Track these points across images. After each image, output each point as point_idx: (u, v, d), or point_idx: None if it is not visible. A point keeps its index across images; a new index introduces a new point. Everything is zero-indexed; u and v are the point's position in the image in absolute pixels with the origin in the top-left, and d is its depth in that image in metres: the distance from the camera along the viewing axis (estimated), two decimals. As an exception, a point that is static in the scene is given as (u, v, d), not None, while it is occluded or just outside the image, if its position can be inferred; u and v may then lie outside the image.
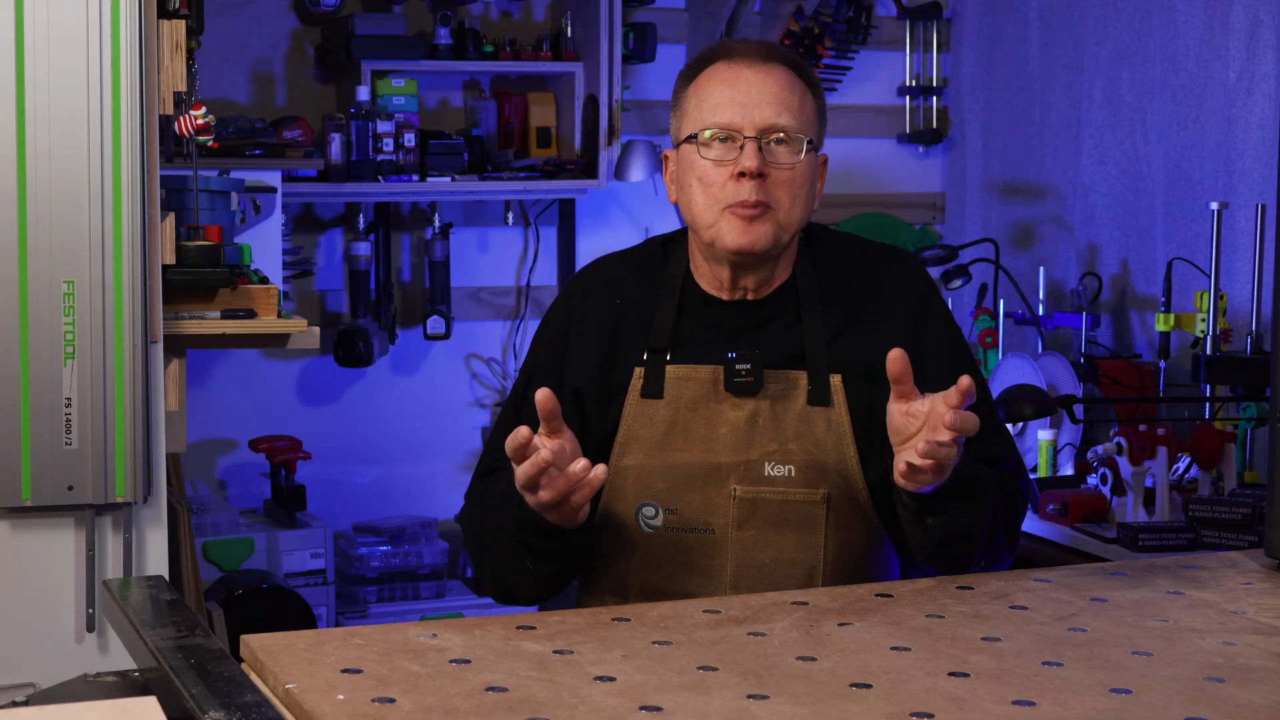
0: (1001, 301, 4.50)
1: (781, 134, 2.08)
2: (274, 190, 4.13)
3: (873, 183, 5.29)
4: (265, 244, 3.99)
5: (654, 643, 1.67)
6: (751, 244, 2.07)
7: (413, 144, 4.58)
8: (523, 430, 1.88)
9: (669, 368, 2.14)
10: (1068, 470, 3.92)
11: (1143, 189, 4.44)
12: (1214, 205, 3.75)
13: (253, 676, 1.59)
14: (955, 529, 2.02)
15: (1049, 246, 4.81)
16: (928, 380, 2.13)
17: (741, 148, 2.07)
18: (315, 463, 4.65)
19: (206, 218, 3.20)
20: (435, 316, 4.77)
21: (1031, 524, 3.58)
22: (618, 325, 2.18)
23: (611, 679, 1.54)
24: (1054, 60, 4.78)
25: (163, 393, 2.90)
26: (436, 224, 4.78)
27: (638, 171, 4.81)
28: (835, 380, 2.11)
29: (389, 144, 4.54)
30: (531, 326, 4.94)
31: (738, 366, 2.10)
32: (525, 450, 1.89)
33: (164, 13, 2.87)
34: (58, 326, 2.75)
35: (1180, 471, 3.66)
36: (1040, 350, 4.32)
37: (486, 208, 4.96)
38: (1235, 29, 4.10)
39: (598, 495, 2.13)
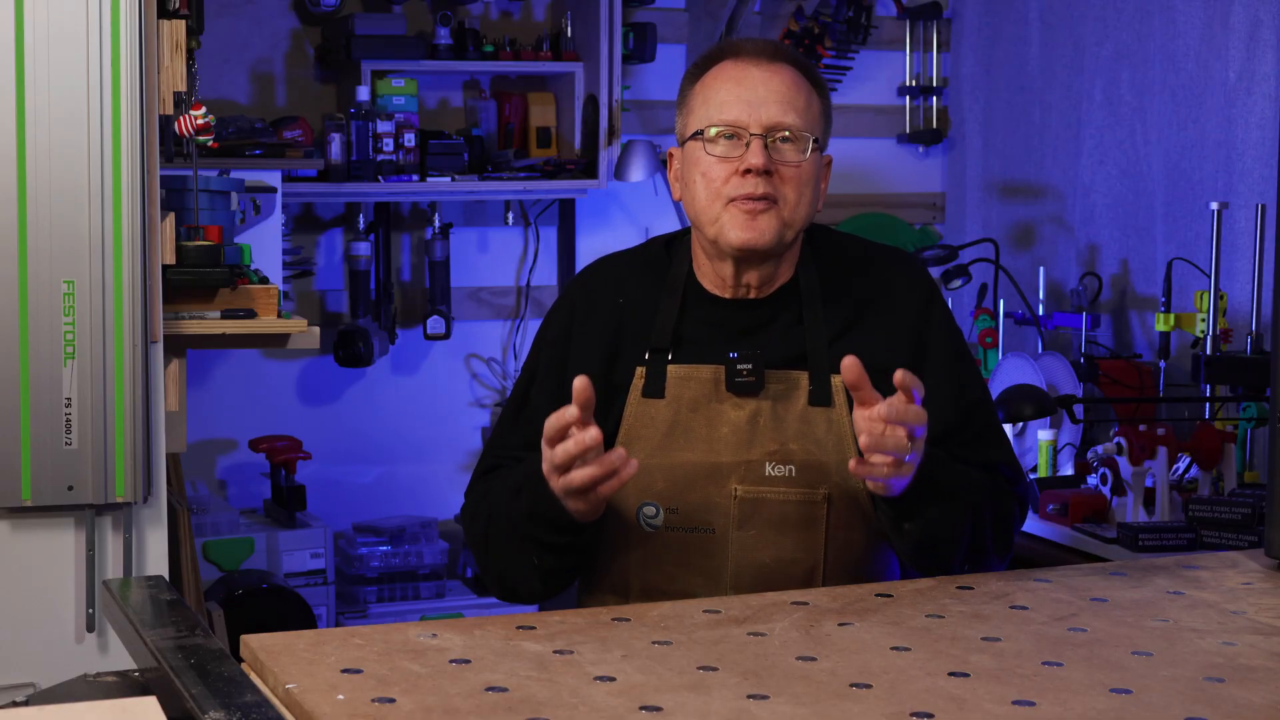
0: (1001, 301, 4.50)
1: (787, 132, 2.08)
2: (274, 190, 4.13)
3: (873, 183, 5.29)
4: (265, 244, 3.99)
5: (654, 643, 1.67)
6: (756, 238, 2.07)
7: (413, 144, 4.58)
8: (570, 409, 1.88)
9: (670, 367, 2.14)
10: (1068, 470, 3.92)
11: (1143, 189, 4.44)
12: (1214, 205, 3.75)
13: (253, 676, 1.59)
14: (932, 534, 2.04)
15: (1049, 246, 4.81)
16: (928, 381, 2.13)
17: (748, 145, 2.07)
18: (315, 463, 4.65)
19: (206, 218, 3.20)
20: (435, 316, 4.77)
21: (1031, 524, 3.58)
22: (620, 325, 2.18)
23: (611, 679, 1.54)
24: (1054, 60, 4.78)
25: (163, 393, 2.90)
26: (436, 224, 4.78)
27: (638, 171, 4.81)
28: (837, 381, 2.11)
29: (389, 144, 4.54)
30: (532, 326, 4.94)
31: (739, 366, 2.10)
32: (567, 430, 1.89)
33: (164, 13, 2.87)
34: (58, 326, 2.75)
35: (1180, 471, 3.66)
36: (1040, 350, 4.32)
37: (486, 208, 4.96)
38: (1235, 29, 4.10)
39: None
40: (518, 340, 5.00)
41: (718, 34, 4.88)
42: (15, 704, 1.54)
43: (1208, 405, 3.80)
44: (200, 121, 3.00)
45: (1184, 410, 3.97)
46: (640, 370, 2.14)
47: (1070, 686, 1.53)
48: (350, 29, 4.50)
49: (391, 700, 1.46)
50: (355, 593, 4.59)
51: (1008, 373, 4.06)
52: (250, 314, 3.07)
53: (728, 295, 2.16)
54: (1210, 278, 3.73)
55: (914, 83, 5.29)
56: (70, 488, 2.79)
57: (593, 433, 1.90)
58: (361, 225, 4.75)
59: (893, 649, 1.65)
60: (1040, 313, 4.49)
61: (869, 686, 1.52)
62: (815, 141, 2.11)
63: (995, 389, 3.95)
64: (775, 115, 2.08)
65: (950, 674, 1.56)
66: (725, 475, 2.10)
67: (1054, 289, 4.67)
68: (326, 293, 4.84)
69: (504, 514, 2.11)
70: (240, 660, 1.63)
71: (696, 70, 2.17)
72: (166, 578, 2.19)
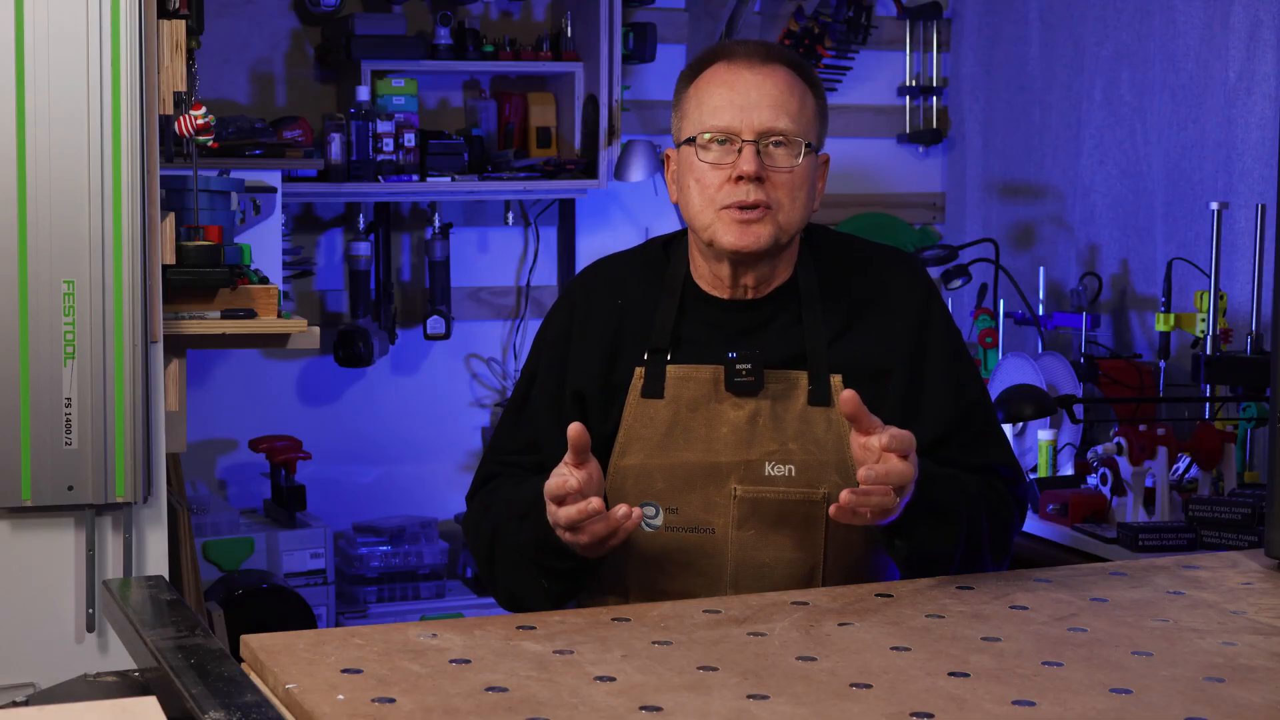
0: (1001, 301, 4.50)
1: (780, 137, 2.08)
2: (274, 190, 4.13)
3: (873, 183, 5.29)
4: (265, 244, 3.99)
5: (654, 643, 1.67)
6: (749, 245, 2.07)
7: (413, 144, 4.58)
8: (571, 482, 1.92)
9: (669, 368, 2.14)
10: (1068, 470, 3.92)
11: (1143, 189, 4.44)
12: (1214, 205, 3.75)
13: (253, 676, 1.59)
14: (923, 551, 2.04)
15: (1049, 246, 4.81)
16: (927, 381, 2.14)
17: (740, 151, 2.07)
18: (315, 463, 4.65)
19: (206, 218, 3.20)
20: (435, 316, 4.77)
21: (1031, 524, 3.58)
22: (619, 326, 2.18)
23: (611, 679, 1.54)
24: (1054, 60, 4.78)
25: (163, 393, 2.90)
26: (436, 224, 4.78)
27: (638, 171, 4.81)
28: (836, 380, 2.11)
29: (389, 144, 4.54)
30: (532, 326, 4.94)
31: (738, 366, 2.10)
32: (567, 498, 1.93)
33: (164, 13, 2.87)
34: (58, 326, 2.75)
35: (1180, 471, 3.66)
36: (1040, 350, 4.32)
37: (486, 208, 4.96)
38: (1235, 29, 4.10)
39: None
40: (518, 340, 5.00)
41: (718, 34, 4.88)
42: (15, 704, 1.54)
43: (1208, 405, 3.80)
44: (200, 121, 3.00)
45: (1184, 410, 3.97)
46: (639, 371, 2.14)
47: (1070, 686, 1.53)
48: (350, 29, 4.50)
49: (391, 700, 1.46)
50: (355, 593, 4.59)
51: (1008, 373, 4.06)
52: (250, 314, 3.07)
53: (725, 296, 2.16)
54: (1210, 278, 3.73)
55: (914, 83, 5.29)
56: (70, 488, 2.79)
57: (594, 503, 1.92)
58: (361, 225, 4.75)
59: (893, 649, 1.65)
60: (1040, 313, 4.49)
61: (869, 686, 1.53)
62: (809, 145, 2.10)
63: (995, 389, 3.95)
64: (767, 120, 2.07)
65: (950, 674, 1.56)
66: (725, 475, 2.10)
67: (1054, 289, 4.67)
68: (326, 293, 4.84)
69: (510, 540, 2.11)
70: (240, 660, 1.63)
71: (690, 72, 2.17)
72: (166, 578, 2.19)
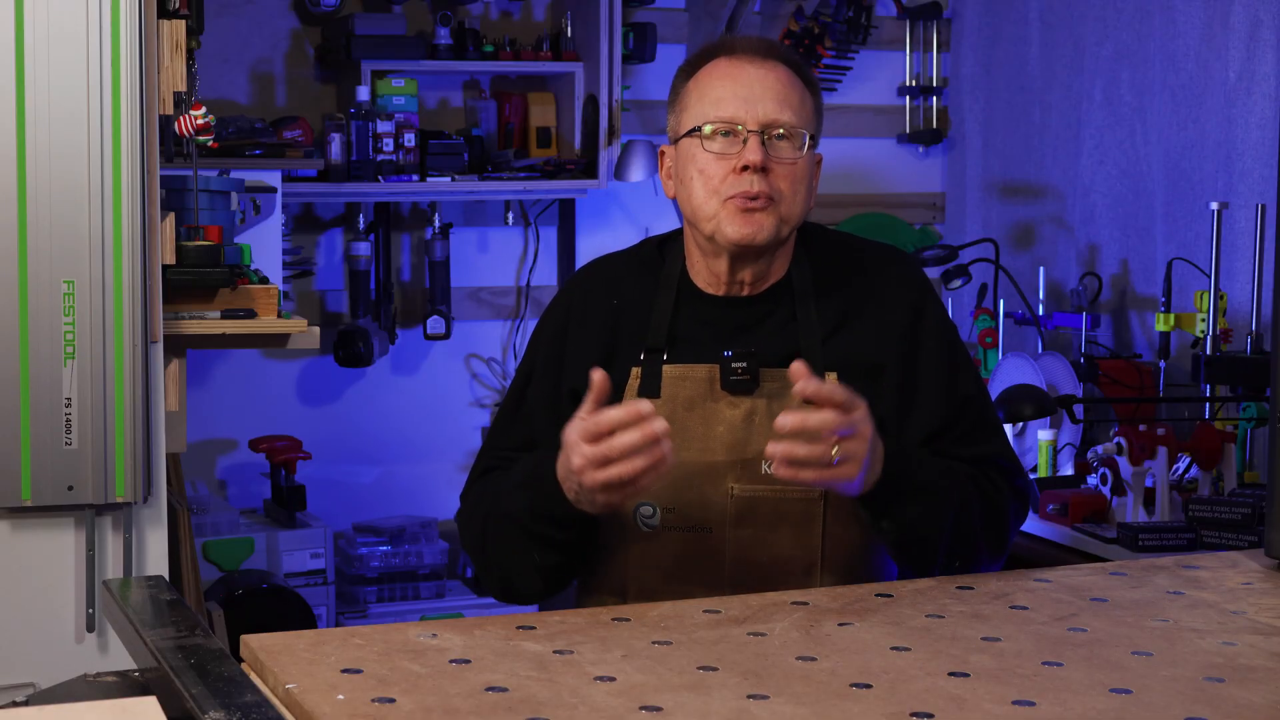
0: (1001, 301, 4.50)
1: (783, 129, 2.08)
2: (274, 190, 4.13)
3: (873, 183, 5.29)
4: (265, 244, 3.99)
5: (654, 643, 1.67)
6: (753, 235, 2.07)
7: (413, 144, 4.58)
8: (644, 404, 1.88)
9: (666, 367, 2.14)
10: (1068, 470, 3.92)
11: (1143, 189, 4.44)
12: (1214, 205, 3.75)
13: (253, 676, 1.59)
14: (910, 532, 2.04)
15: (1049, 246, 4.81)
16: (921, 376, 2.14)
17: (745, 142, 2.07)
18: (315, 463, 4.65)
19: (206, 218, 3.20)
20: (435, 316, 4.77)
21: (1031, 524, 3.58)
22: (615, 325, 2.18)
23: (611, 679, 1.54)
24: (1054, 60, 4.78)
25: (163, 393, 2.90)
26: (436, 224, 4.78)
27: (638, 171, 4.81)
28: (831, 378, 2.11)
29: (389, 144, 4.54)
30: (532, 326, 4.92)
31: (734, 365, 2.10)
32: (611, 428, 1.88)
33: (164, 13, 2.87)
34: (58, 326, 2.75)
35: (1180, 471, 3.66)
36: (1040, 350, 4.32)
37: (486, 208, 4.96)
38: (1235, 29, 4.10)
39: None
40: (518, 340, 5.00)
41: (718, 34, 4.88)
42: (15, 704, 1.54)
43: (1208, 405, 3.80)
44: (200, 121, 3.00)
45: (1184, 410, 3.97)
46: (636, 370, 2.14)
47: (1070, 686, 1.53)
48: (350, 29, 4.50)
49: (391, 700, 1.46)
50: (355, 593, 4.59)
51: (1008, 373, 4.06)
52: (250, 314, 3.07)
53: (721, 293, 2.16)
54: (1210, 278, 3.73)
55: (914, 83, 5.29)
56: (70, 488, 2.79)
57: (661, 423, 1.89)
58: (361, 225, 4.75)
59: (893, 649, 1.65)
60: (1040, 313, 4.49)
61: (869, 686, 1.53)
62: (810, 138, 2.11)
63: (995, 389, 3.95)
64: (771, 112, 2.08)
65: (950, 674, 1.56)
66: (722, 474, 2.10)
67: (1054, 289, 4.67)
68: (326, 293, 4.84)
69: (503, 512, 2.11)
70: (240, 660, 1.63)
71: (690, 67, 2.17)
72: (166, 578, 2.19)
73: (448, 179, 4.60)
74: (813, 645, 1.67)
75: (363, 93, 4.50)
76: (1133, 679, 1.56)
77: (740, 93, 2.09)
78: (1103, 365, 4.10)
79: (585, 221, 5.03)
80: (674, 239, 2.23)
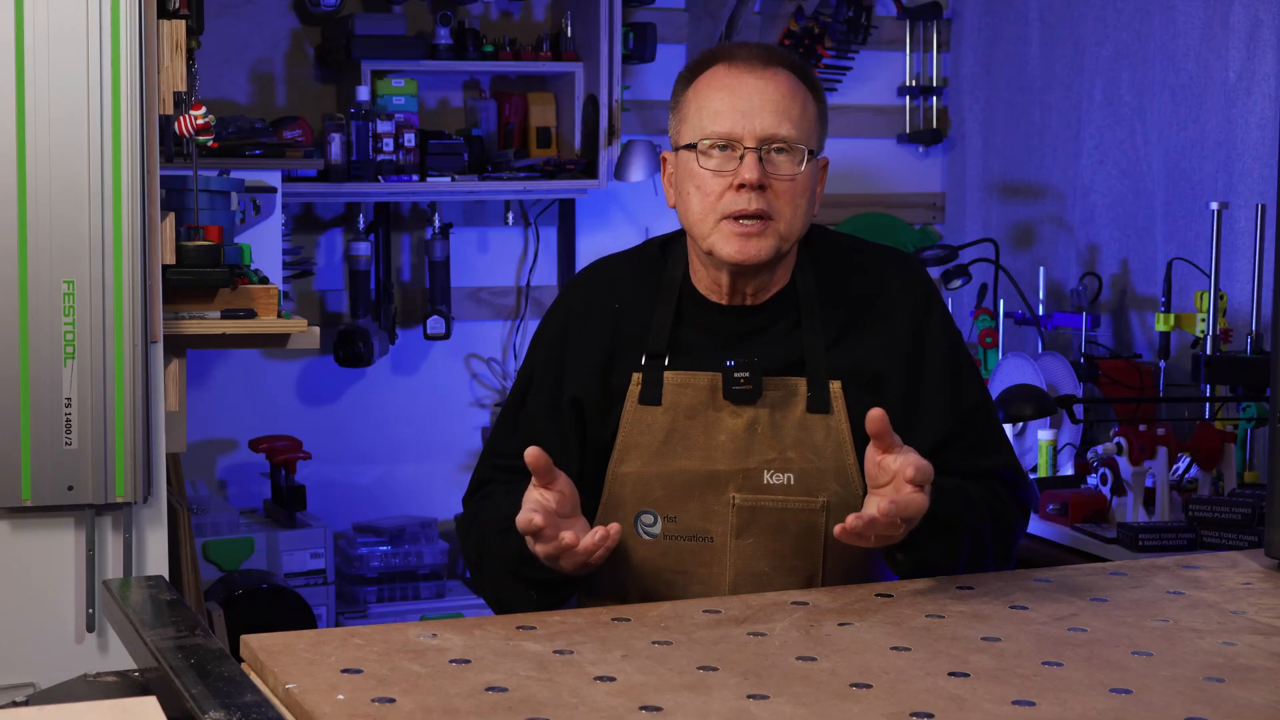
0: (1001, 301, 4.50)
1: (782, 144, 2.05)
2: (274, 190, 4.13)
3: (873, 183, 5.29)
4: (265, 244, 3.99)
5: (654, 643, 1.67)
6: (752, 255, 2.05)
7: (413, 144, 4.58)
8: (536, 520, 1.88)
9: (667, 374, 2.12)
10: (1068, 470, 3.92)
11: (1143, 189, 4.44)
12: (1214, 205, 3.75)
13: (253, 676, 1.59)
14: (925, 565, 2.02)
15: (1049, 246, 4.81)
16: (926, 386, 2.12)
17: (741, 158, 2.04)
18: (315, 463, 4.65)
19: (206, 218, 3.20)
20: (435, 316, 4.77)
21: (1031, 524, 3.56)
22: (616, 330, 2.16)
23: (611, 679, 1.54)
24: (1054, 60, 4.78)
25: (163, 393, 2.90)
26: (436, 224, 4.78)
27: (638, 171, 4.81)
28: (835, 387, 2.10)
29: (389, 144, 4.54)
30: (532, 326, 4.94)
31: (736, 374, 2.08)
32: (541, 534, 1.90)
33: (164, 13, 2.87)
34: (58, 326, 2.75)
35: (1180, 471, 3.66)
36: (1040, 350, 4.32)
37: (486, 208, 4.96)
38: (1235, 29, 4.10)
39: (595, 501, 2.13)
40: (518, 340, 5.00)
41: (718, 34, 4.88)
42: (15, 704, 1.54)
43: (1208, 405, 3.80)
44: (200, 121, 3.00)
45: (1184, 410, 3.97)
46: (636, 377, 2.13)
47: (1070, 686, 1.53)
48: (350, 29, 4.50)
49: (391, 700, 1.46)
50: (355, 593, 4.59)
51: (1008, 373, 4.06)
52: (250, 314, 3.07)
53: (724, 301, 2.15)
54: (1210, 278, 3.72)
55: (914, 83, 5.29)
56: (70, 488, 2.79)
57: (567, 538, 1.89)
58: (361, 225, 4.75)
59: (893, 649, 1.65)
60: (1040, 313, 4.49)
61: (869, 686, 1.52)
62: (810, 152, 2.08)
63: (995, 389, 3.95)
64: (770, 126, 2.05)
65: (950, 674, 1.56)
66: (723, 483, 2.09)
67: (1054, 289, 4.67)
68: (326, 293, 4.84)
69: (495, 552, 2.09)
70: (240, 660, 1.63)
71: (689, 75, 2.13)
72: (166, 578, 2.19)
73: (448, 179, 4.60)
74: (813, 645, 1.67)
75: (363, 93, 4.50)
76: (1133, 679, 1.56)
77: (738, 106, 2.05)
78: (1103, 365, 4.10)
79: (585, 221, 5.03)
80: (677, 240, 2.21)
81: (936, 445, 2.09)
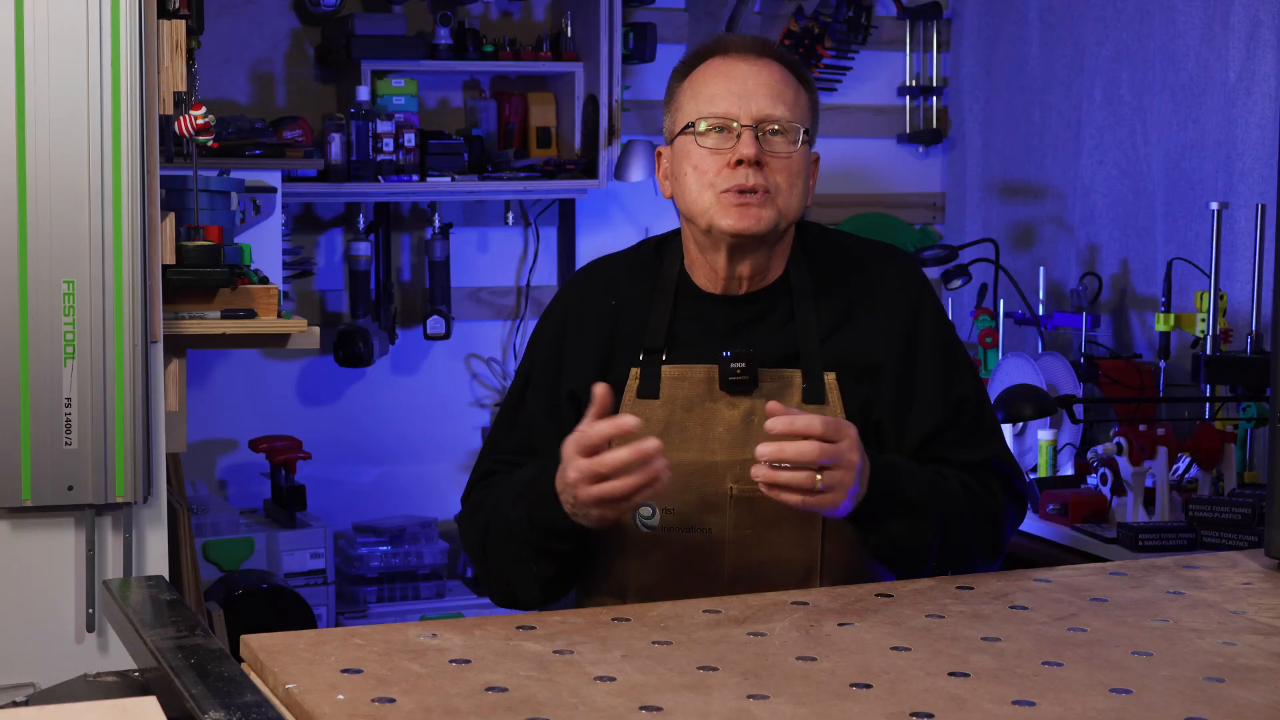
0: (1001, 301, 4.50)
1: (777, 124, 2.08)
2: (274, 190, 4.13)
3: (873, 183, 5.29)
4: (265, 244, 3.99)
5: (654, 643, 1.67)
6: (751, 225, 2.07)
7: (413, 144, 4.58)
8: (627, 418, 1.90)
9: (664, 368, 2.14)
10: (1068, 470, 3.92)
11: (1143, 189, 4.44)
12: (1214, 205, 3.75)
13: (253, 676, 1.59)
14: (896, 547, 2.05)
15: (1049, 246, 4.81)
16: (919, 377, 2.14)
17: (739, 137, 2.07)
18: (315, 463, 4.65)
19: (206, 218, 3.20)
20: (435, 316, 4.77)
21: (1031, 524, 3.58)
22: (613, 327, 2.18)
23: (611, 679, 1.54)
24: (1054, 60, 4.78)
25: (163, 393, 2.90)
26: (436, 224, 4.78)
27: (638, 171, 4.81)
28: (830, 378, 2.11)
29: (389, 144, 4.54)
30: (532, 326, 4.92)
31: (732, 365, 2.10)
32: (606, 441, 1.91)
33: (164, 13, 2.87)
34: (58, 326, 2.75)
35: (1180, 471, 3.66)
36: (1040, 350, 4.32)
37: (486, 208, 4.96)
38: (1235, 29, 4.10)
39: None
40: (518, 340, 5.00)
41: (717, 34, 4.88)
42: (15, 704, 1.54)
43: (1208, 405, 3.80)
44: (200, 121, 3.00)
45: (1184, 410, 3.97)
46: (634, 371, 2.14)
47: (1070, 686, 1.53)
48: (350, 29, 4.50)
49: (391, 700, 1.46)
50: (355, 593, 4.59)
51: (1008, 373, 4.06)
52: (250, 314, 3.07)
53: (719, 290, 2.16)
54: (1210, 278, 3.73)
55: (914, 83, 5.29)
56: (70, 488, 2.79)
57: (654, 441, 1.90)
58: (361, 225, 4.75)
59: (893, 649, 1.65)
60: (1040, 313, 4.49)
61: (869, 686, 1.52)
62: (805, 133, 2.11)
63: (995, 389, 3.95)
64: (765, 107, 2.08)
65: (950, 674, 1.56)
66: (721, 475, 2.10)
67: (1054, 289, 4.67)
68: (326, 293, 4.84)
69: (503, 522, 2.11)
70: (240, 660, 1.63)
71: (684, 68, 2.17)
72: (166, 578, 2.19)
73: (448, 179, 4.59)
74: (813, 645, 1.67)
75: (363, 93, 4.50)
76: (1133, 679, 1.56)
77: (734, 89, 2.09)
78: (1103, 365, 4.10)
79: (585, 221, 5.03)
80: (672, 240, 2.23)
81: (928, 436, 2.12)
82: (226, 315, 3.05)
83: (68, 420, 2.77)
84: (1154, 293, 4.33)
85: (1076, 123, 4.68)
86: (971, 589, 1.92)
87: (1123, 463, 3.55)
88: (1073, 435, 3.96)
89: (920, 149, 5.32)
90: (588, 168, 4.74)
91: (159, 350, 2.88)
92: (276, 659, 1.58)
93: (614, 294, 2.21)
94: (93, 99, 2.74)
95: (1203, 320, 3.75)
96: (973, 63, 5.18)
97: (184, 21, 2.90)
